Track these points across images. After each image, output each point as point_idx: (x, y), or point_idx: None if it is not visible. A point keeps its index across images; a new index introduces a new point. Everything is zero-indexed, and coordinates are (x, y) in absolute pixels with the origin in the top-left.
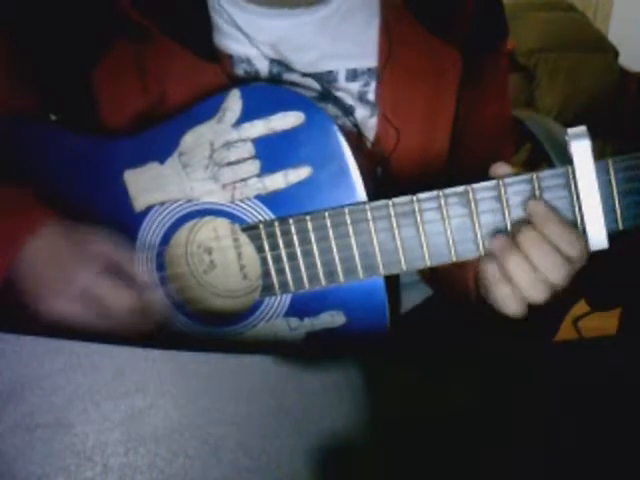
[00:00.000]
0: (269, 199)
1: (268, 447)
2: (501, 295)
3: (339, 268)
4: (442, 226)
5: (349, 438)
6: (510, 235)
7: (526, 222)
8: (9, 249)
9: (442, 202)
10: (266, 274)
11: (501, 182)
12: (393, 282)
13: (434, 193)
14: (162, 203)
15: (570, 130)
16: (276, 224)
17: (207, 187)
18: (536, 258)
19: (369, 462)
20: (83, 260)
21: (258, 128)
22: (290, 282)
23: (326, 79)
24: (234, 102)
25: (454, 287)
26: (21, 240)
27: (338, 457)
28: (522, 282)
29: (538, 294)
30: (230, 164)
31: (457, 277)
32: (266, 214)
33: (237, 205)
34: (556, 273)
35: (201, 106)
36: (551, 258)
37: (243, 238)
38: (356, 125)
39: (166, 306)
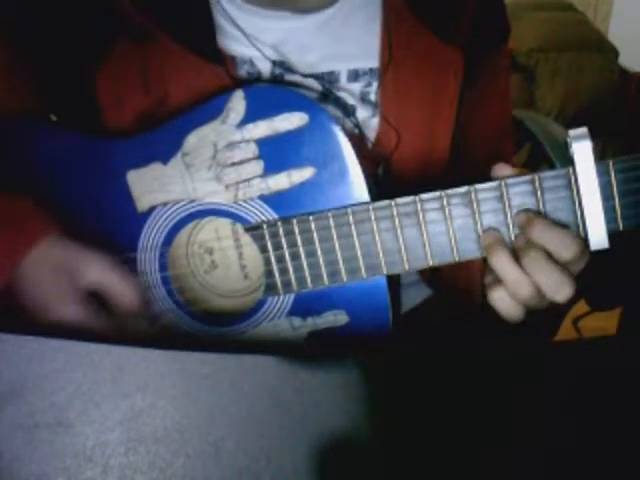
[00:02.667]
0: (272, 199)
1: (268, 447)
2: (494, 297)
3: (342, 268)
4: (444, 226)
5: (349, 438)
6: (504, 236)
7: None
8: (6, 262)
9: (445, 202)
10: (269, 274)
11: (503, 183)
12: (394, 282)
13: (437, 193)
14: (165, 203)
15: (571, 131)
16: (279, 224)
17: (210, 187)
18: (539, 279)
19: (369, 462)
20: (68, 288)
21: (262, 129)
22: (293, 282)
23: (328, 80)
24: (238, 103)
25: (457, 287)
26: (18, 255)
27: (338, 457)
28: (510, 282)
29: (528, 294)
30: (233, 164)
31: (461, 278)
32: (269, 214)
33: (240, 205)
34: (561, 292)
35: (204, 107)
36: (555, 277)
37: (244, 238)
38: (357, 125)
39: (149, 332)
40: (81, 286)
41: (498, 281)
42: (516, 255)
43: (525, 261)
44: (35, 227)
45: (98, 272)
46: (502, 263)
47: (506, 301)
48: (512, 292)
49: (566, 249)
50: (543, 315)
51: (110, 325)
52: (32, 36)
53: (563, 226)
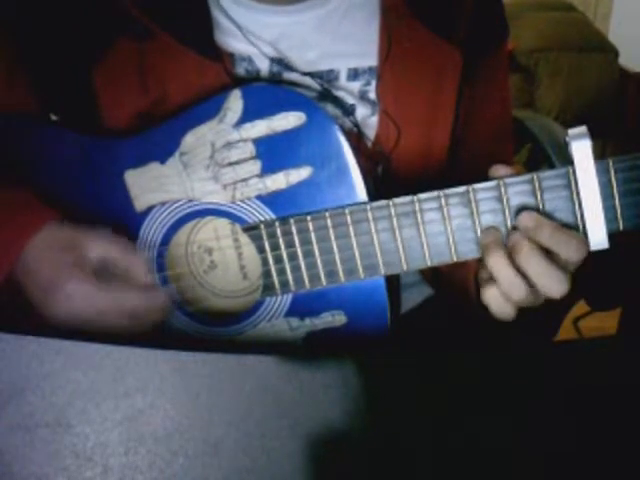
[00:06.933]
0: (270, 199)
1: (268, 447)
2: (487, 296)
3: (340, 268)
4: (443, 226)
5: (349, 438)
6: (504, 236)
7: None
8: (9, 253)
9: (443, 202)
10: (267, 274)
11: (502, 182)
12: (394, 282)
13: (435, 193)
14: (163, 203)
15: (571, 130)
16: (277, 224)
17: (208, 187)
18: (534, 276)
19: (369, 462)
20: (74, 265)
21: (259, 128)
22: (291, 282)
23: (327, 78)
24: (235, 102)
25: (454, 287)
26: (20, 244)
27: (338, 457)
28: (505, 283)
29: (522, 295)
30: (231, 164)
31: (457, 277)
32: (267, 214)
33: (238, 205)
34: (556, 289)
35: (202, 106)
36: (544, 265)
37: (243, 238)
38: (356, 125)
39: (166, 306)
40: (87, 260)
41: (492, 280)
42: (510, 252)
43: (520, 257)
44: (37, 214)
45: (102, 245)
46: (499, 264)
47: (499, 300)
48: (505, 292)
49: (576, 251)
50: (543, 315)
51: (118, 299)
52: (32, 36)
53: (567, 227)
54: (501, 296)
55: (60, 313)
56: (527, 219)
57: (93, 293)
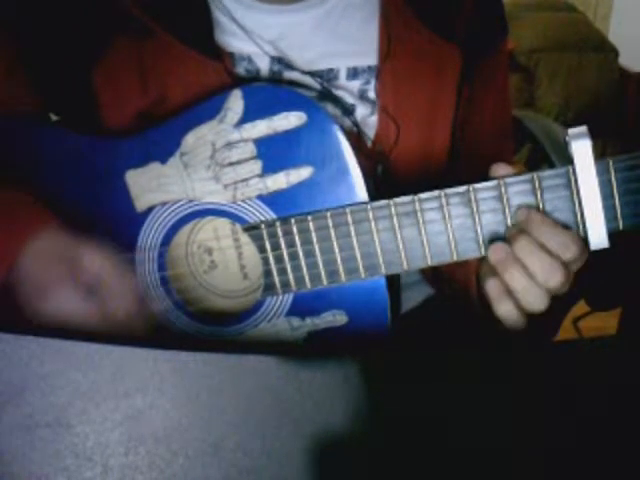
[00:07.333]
0: (270, 199)
1: (268, 447)
2: (504, 310)
3: (341, 268)
4: (443, 226)
5: (349, 439)
6: (508, 244)
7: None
8: (6, 257)
9: (443, 202)
10: (268, 274)
11: (502, 182)
12: (395, 282)
13: (435, 193)
14: (164, 203)
15: (571, 130)
16: (278, 224)
17: (209, 187)
18: (531, 264)
19: (369, 462)
20: (65, 276)
21: (260, 128)
22: (292, 282)
23: (327, 77)
24: (235, 102)
25: (455, 287)
26: (18, 248)
27: (338, 458)
28: (521, 291)
29: (536, 302)
30: (232, 164)
31: (458, 276)
32: (267, 214)
33: (239, 205)
34: (553, 278)
35: (202, 106)
36: (547, 263)
37: (244, 238)
38: (356, 124)
39: (151, 324)
40: (80, 275)
41: (507, 293)
42: (515, 253)
43: (517, 248)
44: (36, 218)
45: (98, 265)
46: (516, 280)
47: (514, 313)
48: (526, 304)
49: (566, 249)
50: (543, 315)
51: (105, 318)
52: (32, 35)
53: (564, 226)
54: (517, 309)
55: (50, 321)
56: (521, 214)
57: (81, 308)
